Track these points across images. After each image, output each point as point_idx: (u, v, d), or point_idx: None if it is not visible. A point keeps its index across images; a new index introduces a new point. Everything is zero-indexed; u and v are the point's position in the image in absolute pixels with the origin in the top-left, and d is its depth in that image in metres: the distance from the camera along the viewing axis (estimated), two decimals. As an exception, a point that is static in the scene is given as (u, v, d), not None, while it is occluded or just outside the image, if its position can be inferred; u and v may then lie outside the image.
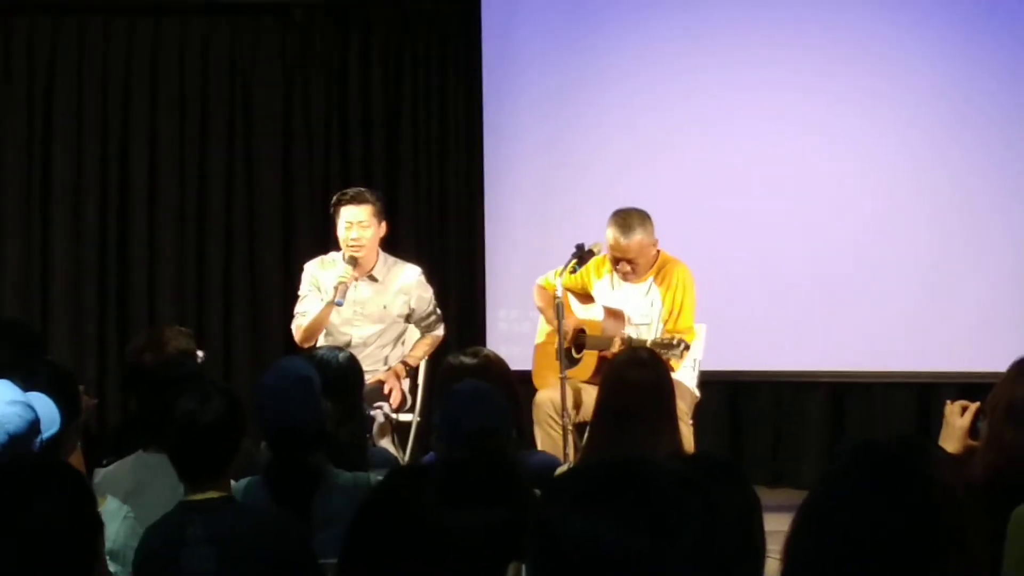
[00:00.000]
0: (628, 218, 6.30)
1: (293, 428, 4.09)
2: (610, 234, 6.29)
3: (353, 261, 6.49)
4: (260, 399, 4.17)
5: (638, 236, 6.27)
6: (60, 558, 2.30)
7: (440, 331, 6.76)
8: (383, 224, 6.60)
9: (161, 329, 5.51)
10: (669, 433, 4.57)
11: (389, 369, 6.58)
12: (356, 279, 6.51)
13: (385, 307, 6.60)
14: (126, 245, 8.20)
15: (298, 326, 6.61)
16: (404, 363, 6.64)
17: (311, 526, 3.89)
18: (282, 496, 4.04)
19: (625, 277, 6.39)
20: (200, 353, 5.37)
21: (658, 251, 6.43)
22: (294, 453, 4.08)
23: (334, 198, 6.66)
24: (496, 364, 4.91)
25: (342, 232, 6.54)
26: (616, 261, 6.35)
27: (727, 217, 7.69)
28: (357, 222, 6.49)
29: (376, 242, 6.60)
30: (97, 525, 2.44)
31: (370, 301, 6.59)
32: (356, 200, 6.54)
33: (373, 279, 6.60)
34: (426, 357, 6.73)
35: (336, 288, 6.41)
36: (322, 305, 6.50)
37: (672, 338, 6.01)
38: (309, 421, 4.11)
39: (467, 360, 4.87)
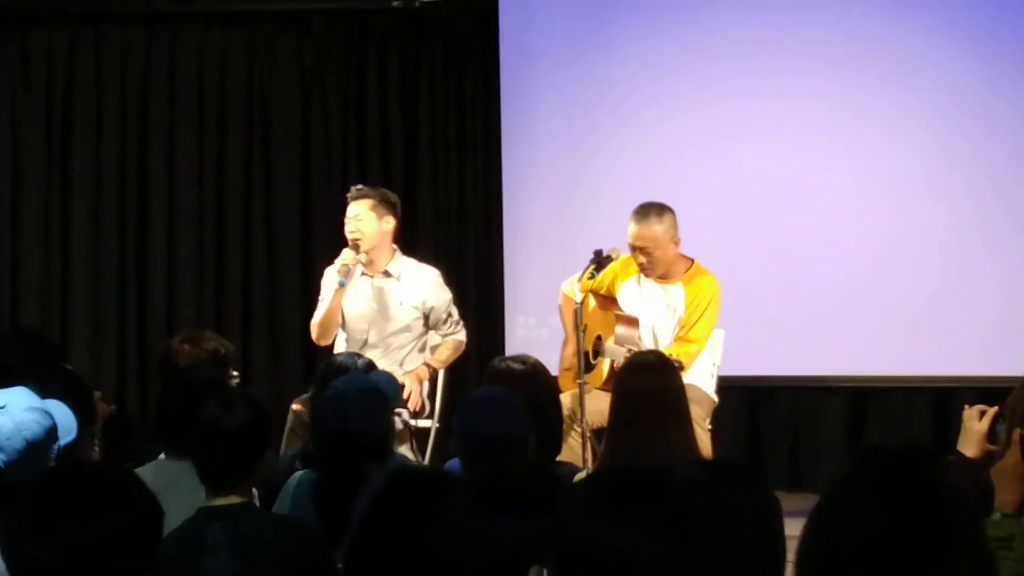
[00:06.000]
0: (646, 209, 6.31)
1: (349, 435, 4.11)
2: (629, 225, 6.31)
3: (356, 247, 6.51)
4: (322, 402, 4.20)
5: (654, 226, 6.25)
6: (124, 567, 2.33)
7: (462, 336, 6.68)
8: (389, 218, 6.58)
9: (203, 331, 5.58)
10: (680, 436, 4.57)
11: (406, 373, 6.49)
12: (360, 263, 6.50)
13: (401, 303, 6.55)
14: (145, 253, 8.21)
15: (314, 323, 6.63)
16: (427, 365, 6.56)
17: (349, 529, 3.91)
18: (324, 497, 4.06)
19: (643, 271, 6.36)
20: (235, 373, 5.40)
21: (692, 260, 6.41)
22: (345, 460, 4.09)
23: None
24: (542, 373, 4.88)
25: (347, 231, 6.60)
26: (633, 252, 6.35)
27: (745, 223, 7.68)
28: (354, 216, 6.54)
29: (382, 236, 6.56)
30: (158, 538, 2.46)
31: (386, 297, 6.57)
32: (354, 197, 6.60)
33: (388, 275, 6.59)
34: (450, 362, 6.67)
35: (339, 271, 6.44)
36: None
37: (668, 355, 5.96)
38: (367, 433, 4.12)
39: (515, 366, 4.83)
